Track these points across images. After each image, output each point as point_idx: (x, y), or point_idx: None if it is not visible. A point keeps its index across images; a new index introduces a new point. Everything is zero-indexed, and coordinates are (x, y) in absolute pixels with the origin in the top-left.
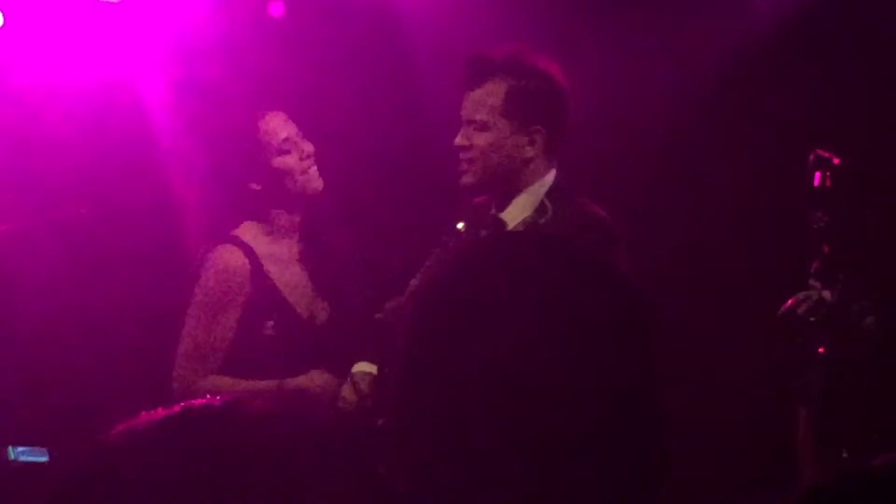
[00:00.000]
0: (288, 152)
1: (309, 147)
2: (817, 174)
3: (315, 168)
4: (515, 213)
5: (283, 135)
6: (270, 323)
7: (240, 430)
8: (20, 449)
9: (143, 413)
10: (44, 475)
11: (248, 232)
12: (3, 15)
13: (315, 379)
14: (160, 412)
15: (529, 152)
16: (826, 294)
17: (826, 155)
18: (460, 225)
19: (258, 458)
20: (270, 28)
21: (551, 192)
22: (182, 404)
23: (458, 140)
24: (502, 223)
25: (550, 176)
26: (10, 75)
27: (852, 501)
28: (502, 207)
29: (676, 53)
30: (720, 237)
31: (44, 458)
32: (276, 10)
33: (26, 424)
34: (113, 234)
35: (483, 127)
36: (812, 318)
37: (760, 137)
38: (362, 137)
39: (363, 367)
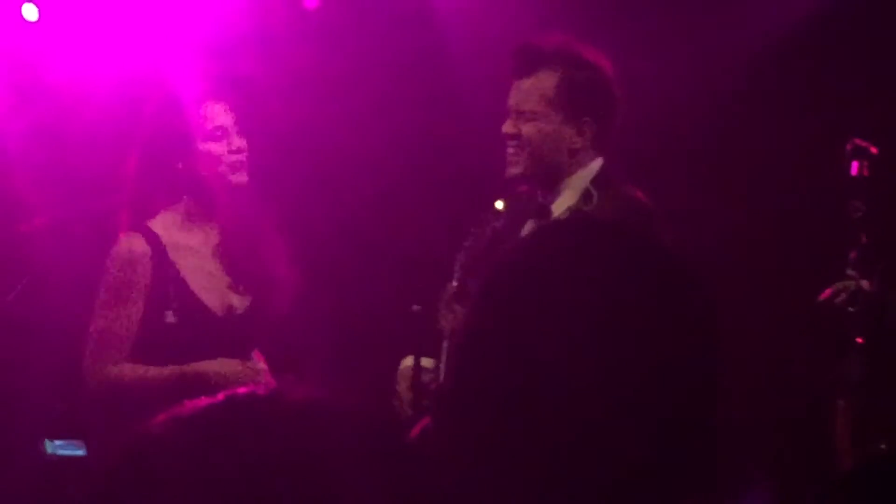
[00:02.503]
0: (218, 140)
1: (241, 142)
2: (855, 163)
3: (242, 163)
4: (561, 202)
5: (217, 122)
6: (170, 312)
7: (284, 419)
8: (57, 442)
9: (186, 401)
10: (81, 468)
11: (160, 222)
12: (39, 10)
13: (219, 366)
14: (204, 400)
15: (577, 143)
16: (864, 284)
17: (863, 144)
18: (499, 204)
19: (302, 448)
20: (305, 21)
21: (597, 180)
22: (225, 392)
23: (507, 128)
24: (549, 211)
25: (597, 164)
26: (45, 70)
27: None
28: (547, 195)
29: (709, 43)
30: (757, 227)
31: (80, 452)
32: (311, 2)
33: (63, 418)
34: None
35: (532, 117)
36: (850, 308)
37: (798, 127)
38: (391, 128)
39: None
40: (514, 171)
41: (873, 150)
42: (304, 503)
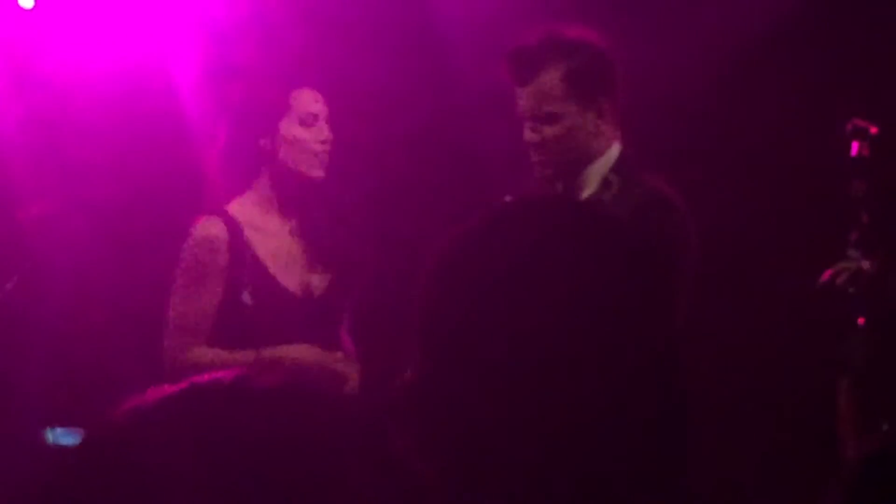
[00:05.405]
0: (308, 126)
1: (328, 135)
2: (855, 144)
3: (326, 156)
4: (581, 189)
5: (312, 109)
6: (247, 293)
7: (248, 405)
8: (58, 431)
9: (150, 390)
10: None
11: (238, 204)
12: None
13: (297, 352)
14: (167, 388)
15: (600, 126)
16: (865, 264)
17: (863, 124)
18: (507, 198)
19: (268, 434)
20: (303, 8)
21: (617, 167)
22: (189, 380)
23: (529, 137)
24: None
25: (615, 150)
26: (40, 57)
27: None
28: (568, 184)
29: (707, 21)
30: (758, 209)
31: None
32: None
33: (63, 406)
34: (143, 217)
35: (553, 118)
36: (851, 289)
37: (799, 107)
38: (395, 115)
39: None
40: (545, 173)
41: (873, 130)
42: (268, 491)
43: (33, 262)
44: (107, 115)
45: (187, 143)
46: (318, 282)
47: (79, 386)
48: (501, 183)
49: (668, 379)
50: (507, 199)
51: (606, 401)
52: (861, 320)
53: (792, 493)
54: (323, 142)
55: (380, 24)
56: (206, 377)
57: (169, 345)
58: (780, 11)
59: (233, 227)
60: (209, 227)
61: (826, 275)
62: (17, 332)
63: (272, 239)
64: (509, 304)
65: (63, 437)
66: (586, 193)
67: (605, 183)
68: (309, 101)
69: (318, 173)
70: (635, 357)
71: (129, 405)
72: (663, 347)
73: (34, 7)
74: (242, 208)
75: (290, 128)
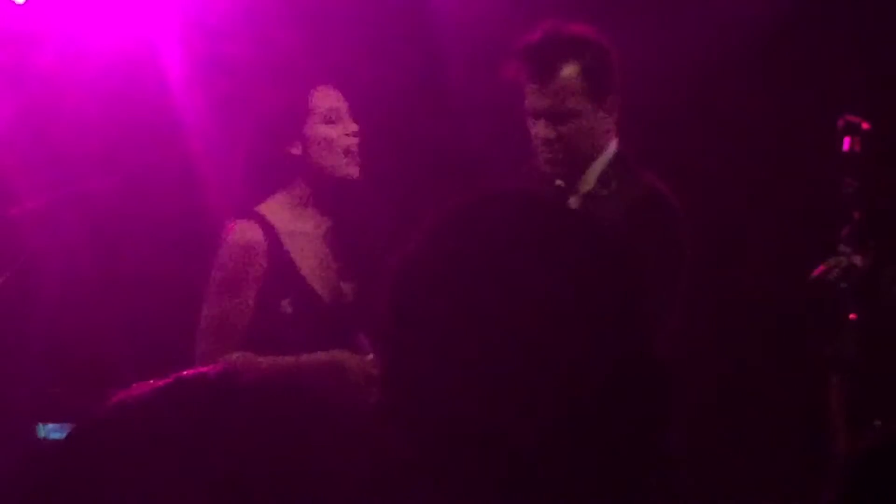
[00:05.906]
0: (333, 123)
1: (354, 127)
2: (846, 139)
3: (356, 150)
4: (580, 185)
5: (332, 104)
6: (287, 300)
7: (233, 400)
8: (50, 426)
9: (136, 384)
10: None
11: (272, 207)
12: None
13: (335, 356)
14: (153, 383)
15: (609, 124)
16: (857, 260)
17: (855, 120)
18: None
19: (252, 429)
20: (296, 2)
21: (615, 163)
22: (174, 375)
23: (545, 132)
24: (566, 198)
25: (613, 146)
26: (31, 52)
27: None
28: (569, 181)
29: (699, 17)
30: (749, 205)
31: None
32: None
33: (55, 401)
34: (137, 210)
35: (572, 115)
36: (843, 285)
37: (790, 103)
38: (391, 115)
39: None
40: (554, 169)
41: (865, 125)
42: (251, 485)
43: (26, 257)
44: (99, 109)
45: (180, 136)
46: (348, 289)
47: (71, 381)
48: (494, 180)
49: (645, 376)
50: (463, 196)
51: (577, 400)
52: (853, 316)
53: (786, 490)
54: (351, 134)
55: (375, 21)
56: (191, 372)
57: (202, 349)
58: (777, 10)
59: (270, 232)
60: (247, 232)
61: (818, 270)
62: (9, 327)
63: (307, 244)
64: (477, 302)
65: (54, 432)
66: (584, 190)
67: (603, 180)
68: (327, 97)
69: (352, 171)
70: (605, 354)
71: (115, 399)
72: (637, 346)
73: (26, 1)
74: (277, 212)
75: (316, 129)
